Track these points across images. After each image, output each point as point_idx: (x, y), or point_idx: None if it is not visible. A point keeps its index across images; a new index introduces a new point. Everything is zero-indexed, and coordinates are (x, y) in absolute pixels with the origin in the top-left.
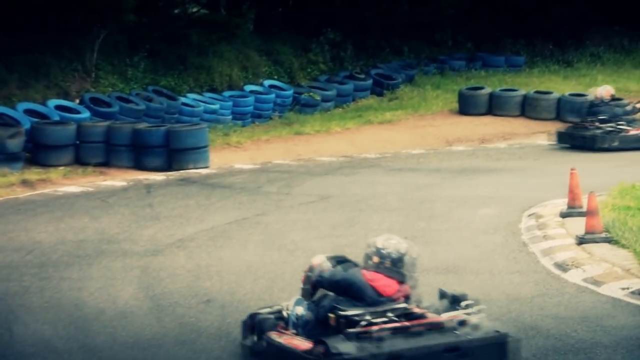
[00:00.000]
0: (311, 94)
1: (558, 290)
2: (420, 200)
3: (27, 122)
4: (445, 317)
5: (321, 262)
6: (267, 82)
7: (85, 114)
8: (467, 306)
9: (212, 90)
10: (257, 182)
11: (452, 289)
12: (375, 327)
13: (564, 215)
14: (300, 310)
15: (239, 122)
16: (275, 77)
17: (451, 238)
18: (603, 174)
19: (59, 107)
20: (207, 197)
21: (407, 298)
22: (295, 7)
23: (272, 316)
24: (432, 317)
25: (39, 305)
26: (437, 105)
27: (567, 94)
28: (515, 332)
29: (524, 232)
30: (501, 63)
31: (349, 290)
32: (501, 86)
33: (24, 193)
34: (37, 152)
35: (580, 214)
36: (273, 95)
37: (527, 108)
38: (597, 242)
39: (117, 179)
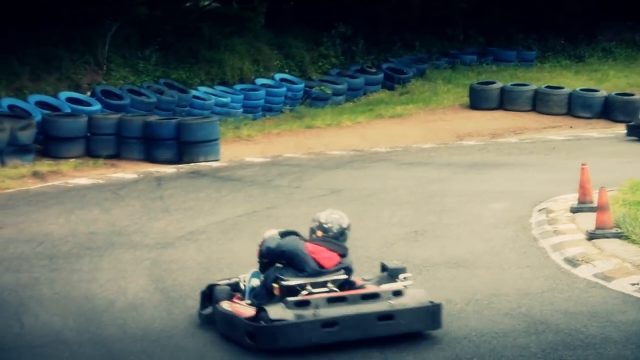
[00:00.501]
0: (322, 87)
1: (568, 286)
2: (430, 194)
3: (38, 114)
4: (381, 287)
5: (271, 235)
6: (278, 76)
7: (97, 106)
8: (404, 278)
9: (223, 83)
10: (268, 176)
11: (393, 263)
12: (312, 296)
13: (574, 210)
14: (255, 281)
15: (250, 115)
16: (287, 70)
17: (462, 232)
18: (614, 170)
19: (70, 100)
20: (218, 190)
21: (348, 270)
22: (307, 1)
23: (228, 287)
24: (369, 288)
25: (50, 297)
26: (448, 99)
27: (578, 89)
28: (525, 327)
29: (534, 226)
30: (512, 58)
31: (291, 261)
32: (512, 81)
33: (34, 185)
34: (48, 144)
35: (591, 209)
36: (284, 89)
37: (539, 103)
38: (608, 238)
39: (128, 171)
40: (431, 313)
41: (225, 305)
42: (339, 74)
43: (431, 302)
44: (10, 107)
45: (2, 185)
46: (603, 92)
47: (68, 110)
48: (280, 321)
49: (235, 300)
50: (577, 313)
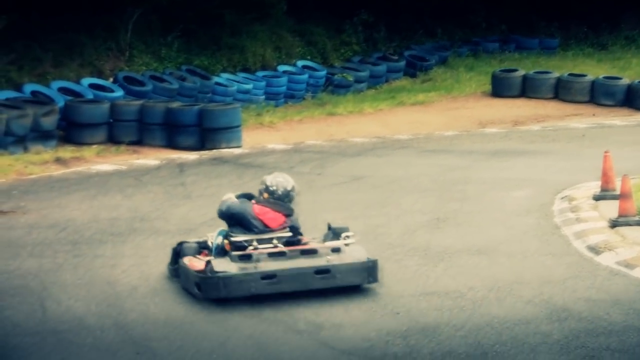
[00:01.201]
0: (344, 74)
1: (590, 273)
2: (452, 182)
3: (61, 101)
4: (321, 244)
5: (228, 198)
6: (300, 63)
7: (119, 92)
8: (346, 237)
9: (246, 70)
10: (290, 163)
11: (337, 223)
12: (255, 251)
13: (597, 198)
14: (221, 239)
15: (272, 102)
16: (309, 57)
17: (483, 220)
18: (637, 157)
19: (92, 86)
20: (240, 176)
21: (293, 228)
22: None
23: (196, 244)
24: (311, 245)
25: (72, 282)
26: (470, 87)
27: (601, 77)
28: (547, 315)
29: (556, 214)
30: (535, 45)
31: (238, 221)
32: (535, 68)
33: (57, 171)
34: (71, 130)
35: (614, 197)
36: (306, 76)
37: (561, 91)
38: (630, 225)
39: (150, 157)
40: (367, 268)
41: (186, 260)
42: (361, 61)
43: (368, 258)
44: (33, 93)
45: (25, 171)
46: (626, 80)
47: (90, 97)
48: (223, 273)
49: (199, 256)
50: (599, 301)
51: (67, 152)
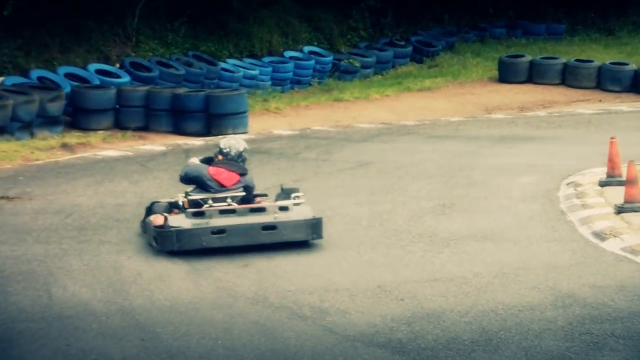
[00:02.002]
0: (351, 60)
1: (596, 259)
2: (458, 167)
3: (67, 86)
4: (270, 203)
5: (190, 162)
6: (306, 49)
7: (126, 78)
8: (295, 197)
9: (252, 56)
10: (296, 148)
11: (288, 185)
12: (209, 208)
13: (602, 184)
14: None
15: (278, 88)
16: (315, 43)
17: (489, 206)
18: None
19: (99, 71)
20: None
21: (247, 187)
22: None
23: (167, 203)
24: (263, 203)
25: (78, 268)
26: (477, 72)
27: (608, 62)
28: (552, 301)
29: (562, 200)
30: (542, 31)
31: (196, 183)
32: (542, 54)
33: (64, 156)
34: (77, 116)
35: (620, 183)
36: (312, 62)
37: (568, 76)
38: (636, 212)
39: (157, 143)
40: (311, 225)
41: (152, 217)
42: (368, 47)
43: (313, 216)
44: (40, 78)
45: (32, 156)
46: (633, 66)
47: (97, 82)
48: (177, 227)
49: (165, 214)
50: (604, 287)
51: (73, 137)
